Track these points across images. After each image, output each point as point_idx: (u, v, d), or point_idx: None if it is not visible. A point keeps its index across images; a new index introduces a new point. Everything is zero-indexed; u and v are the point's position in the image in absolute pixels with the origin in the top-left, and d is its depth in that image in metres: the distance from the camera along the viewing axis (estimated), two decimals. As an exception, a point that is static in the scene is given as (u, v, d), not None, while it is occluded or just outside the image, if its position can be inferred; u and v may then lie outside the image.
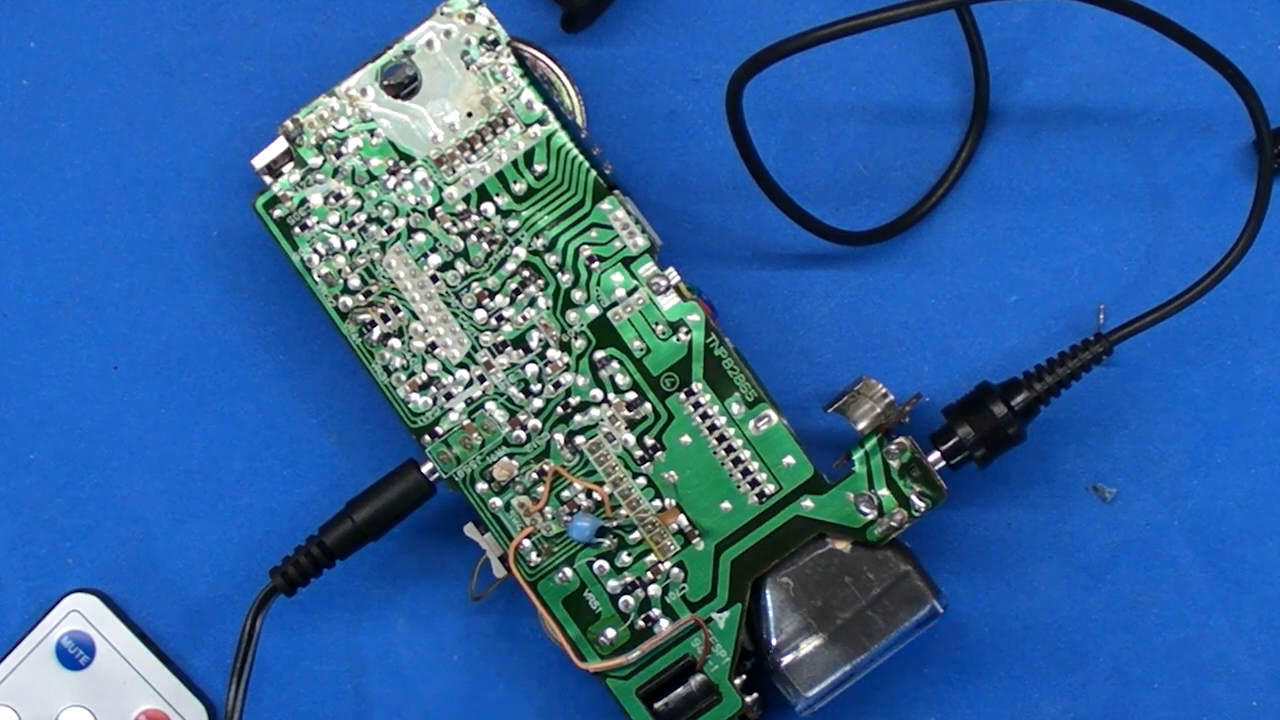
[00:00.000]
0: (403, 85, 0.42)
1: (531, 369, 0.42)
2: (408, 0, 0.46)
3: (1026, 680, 0.45)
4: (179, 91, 0.46)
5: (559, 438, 0.42)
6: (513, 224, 0.42)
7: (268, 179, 0.42)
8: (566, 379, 0.42)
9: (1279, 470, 0.46)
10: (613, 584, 0.42)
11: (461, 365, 0.42)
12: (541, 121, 0.42)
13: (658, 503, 0.42)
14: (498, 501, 0.42)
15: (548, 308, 0.42)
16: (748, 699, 0.42)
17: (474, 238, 0.42)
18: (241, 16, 0.47)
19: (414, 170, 0.42)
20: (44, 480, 0.46)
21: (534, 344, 0.42)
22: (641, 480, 0.42)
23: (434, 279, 0.42)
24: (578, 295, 0.42)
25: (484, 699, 0.46)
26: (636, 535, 0.42)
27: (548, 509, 0.42)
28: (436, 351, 0.42)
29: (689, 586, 0.42)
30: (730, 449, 0.42)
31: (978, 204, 0.46)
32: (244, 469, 0.46)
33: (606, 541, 0.42)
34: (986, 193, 0.46)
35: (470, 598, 0.45)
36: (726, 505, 0.42)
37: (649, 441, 0.42)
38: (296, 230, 0.42)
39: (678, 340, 0.42)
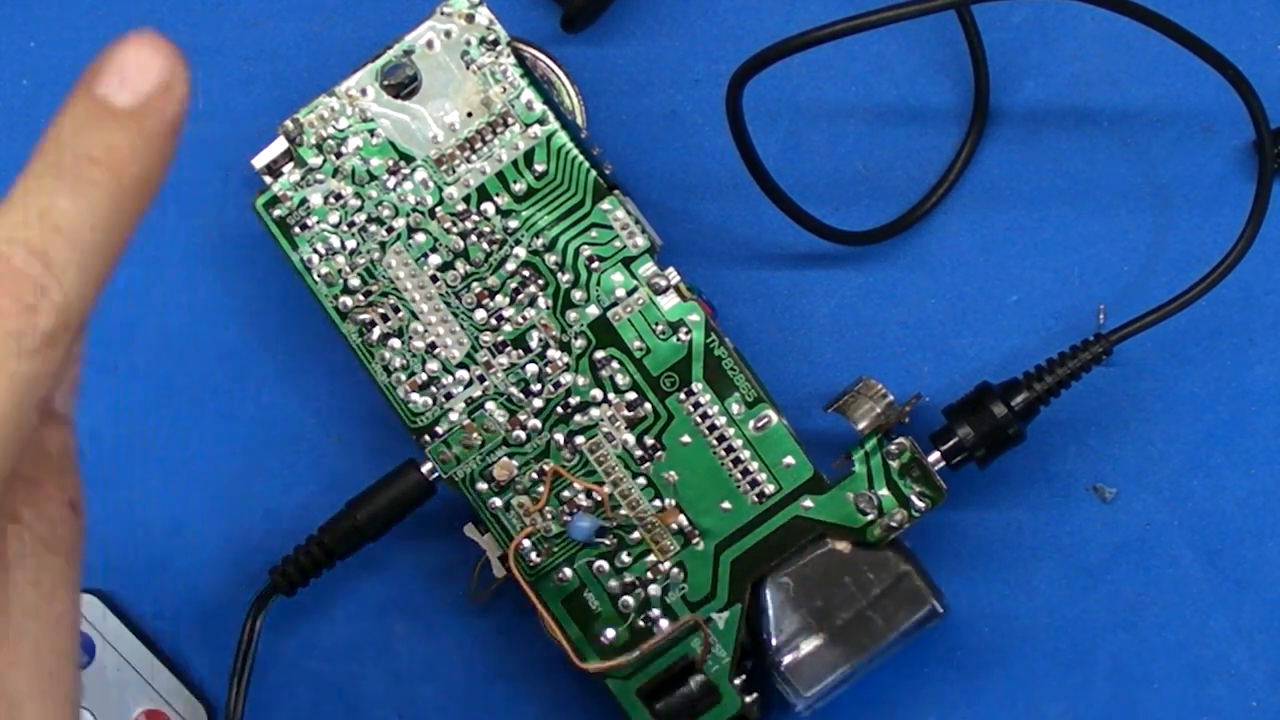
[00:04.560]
0: (403, 85, 0.42)
1: (531, 369, 0.42)
2: (408, 0, 0.46)
3: (1026, 680, 0.45)
4: (179, 91, 0.46)
5: (559, 438, 0.42)
6: (513, 224, 0.42)
7: (268, 179, 0.42)
8: (566, 379, 0.42)
9: (1279, 470, 0.46)
10: (613, 584, 0.42)
11: (461, 365, 0.42)
12: (541, 121, 0.42)
13: (657, 503, 0.42)
14: (498, 501, 0.42)
15: (548, 308, 0.42)
16: (747, 699, 0.42)
17: (474, 238, 0.42)
18: (241, 16, 0.47)
19: (414, 170, 0.42)
20: (44, 480, 0.46)
21: (534, 344, 0.42)
22: (641, 480, 0.42)
23: (434, 279, 0.42)
24: (578, 295, 0.42)
25: (484, 699, 0.46)
26: (636, 535, 0.42)
27: (548, 509, 0.42)
28: (436, 351, 0.42)
29: (689, 586, 0.42)
30: (730, 449, 0.42)
31: (978, 204, 0.46)
32: (244, 469, 0.46)
33: (606, 541, 0.42)
34: (986, 193, 0.46)
35: (470, 598, 0.45)
36: (726, 505, 0.42)
37: (649, 441, 0.42)
38: (296, 230, 0.42)
39: (678, 340, 0.42)
